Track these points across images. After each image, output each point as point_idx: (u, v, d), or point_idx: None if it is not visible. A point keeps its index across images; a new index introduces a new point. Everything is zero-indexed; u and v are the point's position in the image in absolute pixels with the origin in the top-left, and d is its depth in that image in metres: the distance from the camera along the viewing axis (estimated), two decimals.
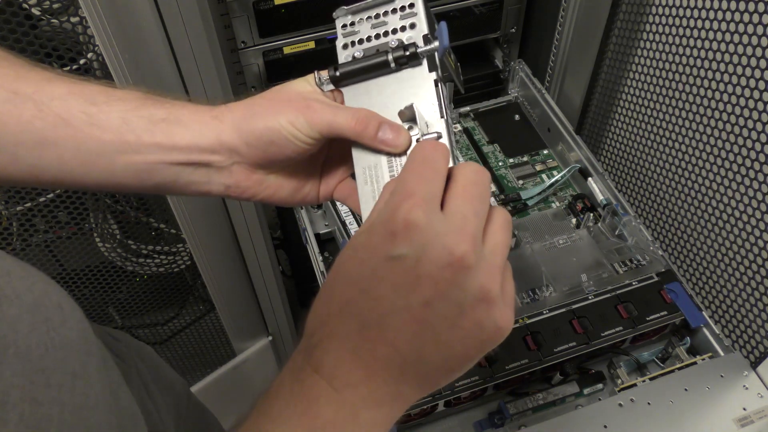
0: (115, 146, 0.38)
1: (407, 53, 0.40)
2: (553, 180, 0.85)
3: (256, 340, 1.20)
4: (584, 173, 0.85)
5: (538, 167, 0.90)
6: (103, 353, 0.33)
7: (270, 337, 1.21)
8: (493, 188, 0.87)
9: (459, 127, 0.96)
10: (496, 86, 1.07)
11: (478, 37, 0.98)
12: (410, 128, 0.41)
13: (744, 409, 0.64)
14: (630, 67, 0.94)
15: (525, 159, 0.91)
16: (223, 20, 0.79)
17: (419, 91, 0.41)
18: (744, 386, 0.66)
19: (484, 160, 0.91)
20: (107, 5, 0.61)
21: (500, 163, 0.91)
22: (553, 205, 0.85)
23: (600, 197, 0.82)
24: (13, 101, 0.37)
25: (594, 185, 0.83)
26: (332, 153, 0.46)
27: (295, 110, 0.39)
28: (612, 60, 0.98)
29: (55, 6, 0.65)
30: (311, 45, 0.86)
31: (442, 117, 0.40)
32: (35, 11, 0.64)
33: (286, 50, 0.86)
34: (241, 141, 0.39)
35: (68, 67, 0.69)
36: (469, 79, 1.04)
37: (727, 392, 0.65)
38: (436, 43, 0.40)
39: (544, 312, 0.71)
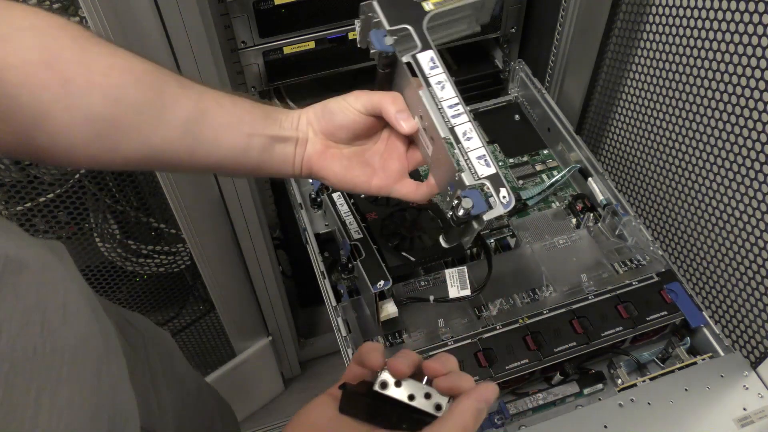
0: (252, 123, 0.50)
1: None
2: (553, 180, 0.85)
3: (256, 340, 1.20)
4: (584, 173, 0.85)
5: (538, 167, 0.90)
6: (109, 346, 0.34)
7: (270, 337, 1.21)
8: None
9: None
10: (496, 86, 1.07)
11: (478, 37, 0.98)
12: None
13: (744, 409, 0.64)
14: (630, 67, 0.94)
15: (525, 159, 0.91)
16: (223, 20, 0.79)
17: None
18: (744, 386, 0.66)
19: None
20: (107, 5, 0.61)
21: (500, 163, 0.91)
22: (553, 205, 0.85)
23: (600, 197, 0.82)
24: (182, 87, 0.47)
25: (594, 185, 0.83)
26: (389, 149, 0.55)
27: (353, 95, 0.52)
28: (612, 60, 0.98)
29: (55, 6, 0.65)
30: (311, 45, 0.86)
31: None
32: None
33: (286, 50, 0.86)
34: (315, 116, 0.52)
35: None
36: (469, 79, 1.04)
37: (727, 392, 0.65)
38: None
39: (544, 312, 0.71)
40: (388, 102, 0.51)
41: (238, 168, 0.51)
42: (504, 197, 0.45)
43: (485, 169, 0.46)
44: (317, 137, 0.52)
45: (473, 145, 0.47)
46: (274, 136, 0.50)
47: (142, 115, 0.44)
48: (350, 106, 0.51)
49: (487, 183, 0.46)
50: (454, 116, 0.48)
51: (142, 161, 0.47)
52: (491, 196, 0.45)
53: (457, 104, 0.49)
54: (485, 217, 0.45)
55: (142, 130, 0.45)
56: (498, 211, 0.45)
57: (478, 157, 0.47)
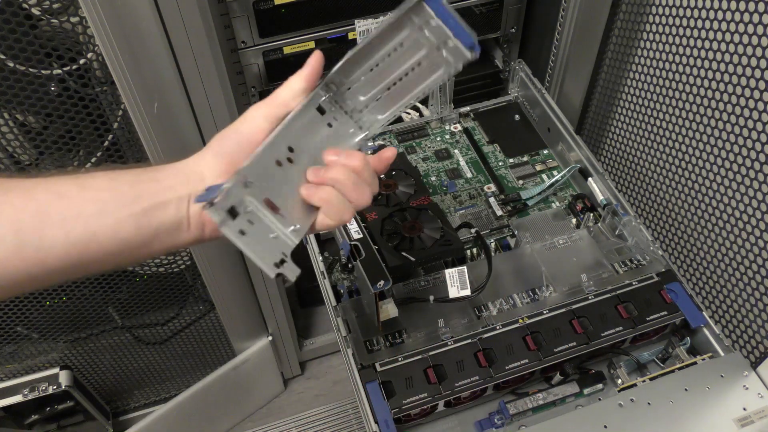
0: (113, 202, 0.41)
1: None
2: (553, 180, 0.86)
3: (256, 340, 1.20)
4: (584, 173, 0.85)
5: (538, 167, 0.90)
6: None
7: (270, 337, 1.21)
8: (493, 188, 0.87)
9: (459, 127, 0.96)
10: (496, 86, 1.07)
11: (478, 37, 0.98)
12: None
13: (744, 409, 0.64)
14: (630, 67, 0.94)
15: (525, 159, 0.91)
16: (223, 20, 0.79)
17: None
18: (744, 386, 0.66)
19: (484, 160, 0.91)
20: (107, 5, 0.61)
21: (500, 163, 0.91)
22: (553, 205, 0.85)
23: (600, 197, 0.82)
24: (4, 191, 0.39)
25: (594, 185, 0.83)
26: None
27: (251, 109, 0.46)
28: (612, 60, 0.98)
29: (55, 6, 0.65)
30: (311, 45, 0.86)
31: None
32: (35, 11, 0.64)
33: (286, 50, 0.86)
34: (211, 148, 0.44)
35: (68, 67, 0.69)
36: (469, 79, 1.04)
37: (727, 392, 0.65)
38: None
39: (544, 312, 0.71)
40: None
41: (118, 257, 0.42)
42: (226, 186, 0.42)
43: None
44: (218, 178, 0.43)
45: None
46: (154, 205, 0.41)
47: None
48: (255, 115, 0.45)
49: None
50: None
51: None
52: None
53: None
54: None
55: None
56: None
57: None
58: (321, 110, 0.48)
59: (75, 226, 0.40)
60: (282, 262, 0.44)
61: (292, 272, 0.44)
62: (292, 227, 0.45)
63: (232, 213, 0.42)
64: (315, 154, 0.47)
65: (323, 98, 0.48)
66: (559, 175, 0.86)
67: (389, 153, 0.48)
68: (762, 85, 0.70)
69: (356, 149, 0.49)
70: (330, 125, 0.49)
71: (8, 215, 0.38)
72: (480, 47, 0.43)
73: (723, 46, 0.74)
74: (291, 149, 0.47)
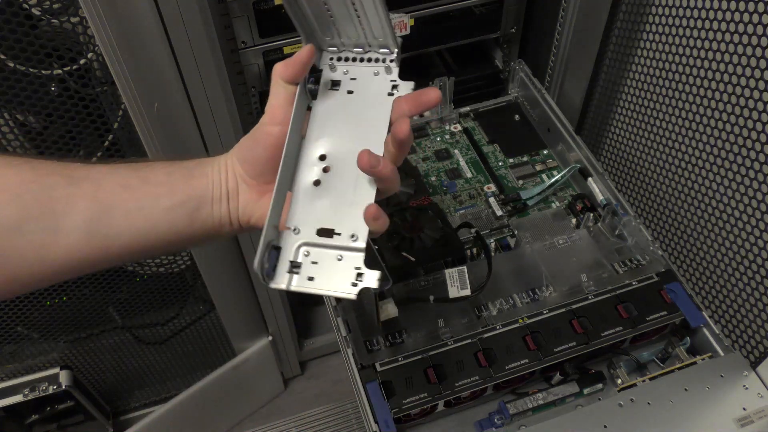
0: (168, 197, 0.43)
1: None
2: (553, 180, 0.86)
3: (256, 340, 1.20)
4: (584, 173, 0.85)
5: (538, 167, 0.90)
6: None
7: (270, 337, 1.21)
8: (493, 188, 0.87)
9: (459, 127, 0.96)
10: (496, 86, 1.07)
11: (478, 37, 0.99)
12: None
13: (744, 408, 0.64)
14: (630, 67, 0.94)
15: (525, 159, 0.91)
16: (223, 20, 0.79)
17: None
18: (744, 386, 0.66)
19: (484, 160, 0.91)
20: (107, 5, 0.61)
21: (500, 163, 0.91)
22: (553, 205, 0.85)
23: (600, 197, 0.82)
24: (73, 184, 0.41)
25: (594, 185, 0.83)
26: None
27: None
28: (612, 60, 0.98)
29: (55, 6, 0.65)
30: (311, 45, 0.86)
31: None
32: (35, 11, 0.64)
33: (286, 50, 0.86)
34: (235, 155, 0.46)
35: (68, 67, 0.69)
36: (469, 79, 1.04)
37: (727, 392, 0.65)
38: None
39: (544, 312, 0.71)
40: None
41: (170, 246, 0.45)
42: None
43: None
44: (243, 180, 0.45)
45: None
46: (204, 202, 0.44)
47: (30, 235, 0.39)
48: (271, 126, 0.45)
49: None
50: None
51: (51, 278, 0.42)
52: None
53: None
54: None
55: (34, 250, 0.40)
56: None
57: None
58: (335, 83, 0.46)
59: (138, 217, 0.42)
60: (359, 276, 0.41)
61: (371, 280, 0.40)
62: (353, 238, 0.42)
63: (294, 267, 0.42)
64: (351, 134, 0.44)
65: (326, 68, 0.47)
66: (559, 175, 0.86)
67: (433, 95, 0.43)
68: (762, 85, 0.70)
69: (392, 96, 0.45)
70: (351, 92, 0.46)
71: (82, 207, 0.41)
72: None
73: (723, 46, 0.74)
74: (323, 157, 0.44)
